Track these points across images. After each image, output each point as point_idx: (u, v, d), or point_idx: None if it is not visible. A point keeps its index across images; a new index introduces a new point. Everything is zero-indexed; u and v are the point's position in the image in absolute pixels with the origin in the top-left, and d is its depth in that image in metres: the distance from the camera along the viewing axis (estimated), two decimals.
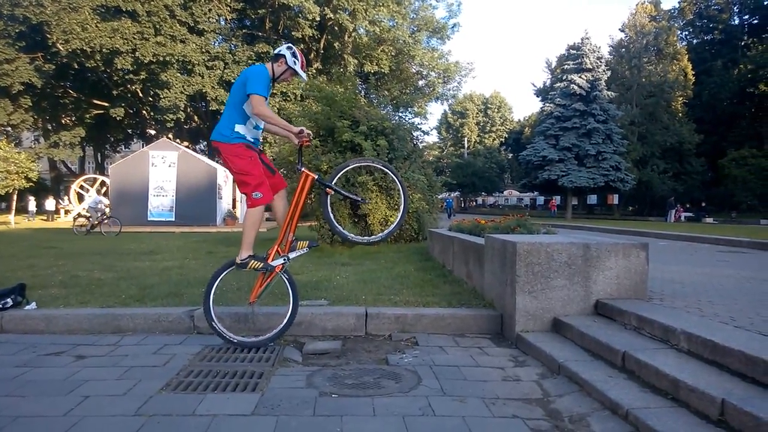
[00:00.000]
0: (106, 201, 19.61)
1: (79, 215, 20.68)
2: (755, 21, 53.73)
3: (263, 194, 4.03)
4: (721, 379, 2.74)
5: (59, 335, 4.35)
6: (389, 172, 4.50)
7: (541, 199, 61.10)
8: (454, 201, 53.55)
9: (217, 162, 23.60)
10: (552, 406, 2.99)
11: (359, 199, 5.18)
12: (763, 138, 49.22)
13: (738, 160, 42.45)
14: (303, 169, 4.17)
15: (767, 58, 47.12)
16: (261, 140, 4.29)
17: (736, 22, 55.12)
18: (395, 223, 4.49)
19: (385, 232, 4.55)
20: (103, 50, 26.14)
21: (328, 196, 4.29)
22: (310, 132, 4.15)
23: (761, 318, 3.66)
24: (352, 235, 4.42)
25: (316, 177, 4.16)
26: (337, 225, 4.26)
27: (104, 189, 29.38)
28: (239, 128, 3.97)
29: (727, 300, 4.45)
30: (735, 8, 54.98)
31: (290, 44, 4.24)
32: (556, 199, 45.15)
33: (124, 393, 3.10)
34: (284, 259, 4.14)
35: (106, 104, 31.52)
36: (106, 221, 17.60)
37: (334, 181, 4.29)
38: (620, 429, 2.62)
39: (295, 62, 4.08)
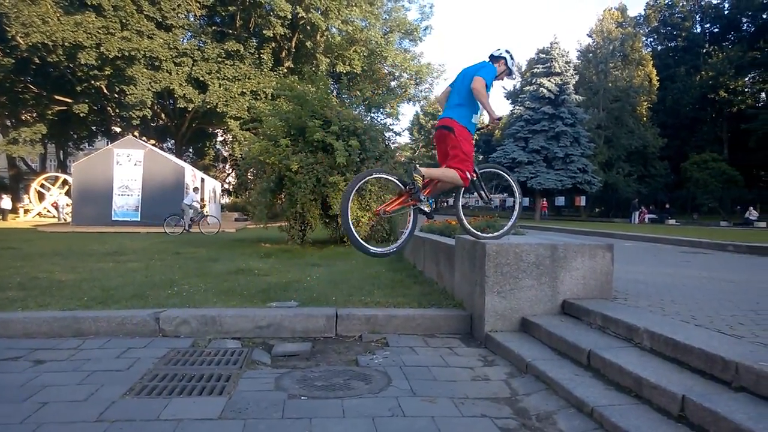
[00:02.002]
0: (195, 197, 19.17)
1: (40, 215, 20.20)
2: (716, 29, 55.52)
3: (469, 179, 4.58)
4: (682, 376, 2.81)
5: (16, 339, 4.19)
6: (510, 179, 5.16)
7: (510, 201, 61.75)
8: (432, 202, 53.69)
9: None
10: (520, 405, 3.03)
11: (487, 198, 5.32)
12: (724, 142, 50.82)
13: (699, 163, 43.75)
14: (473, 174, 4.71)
15: (727, 66, 48.67)
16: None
17: (698, 30, 56.85)
18: (513, 218, 5.20)
19: (508, 226, 5.13)
20: (66, 44, 25.34)
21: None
22: (502, 122, 4.68)
23: (720, 317, 3.76)
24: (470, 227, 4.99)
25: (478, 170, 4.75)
26: (464, 219, 4.95)
27: (66, 188, 28.64)
28: (475, 119, 4.59)
29: (688, 299, 4.56)
30: (697, 17, 56.69)
31: (508, 48, 4.80)
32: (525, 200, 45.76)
33: (85, 398, 3.01)
34: (424, 199, 4.55)
35: (69, 100, 30.60)
36: (204, 219, 17.64)
37: (480, 170, 4.87)
38: (586, 426, 2.66)
39: (512, 64, 4.76)
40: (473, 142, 4.69)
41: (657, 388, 2.70)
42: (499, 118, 4.66)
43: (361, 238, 4.48)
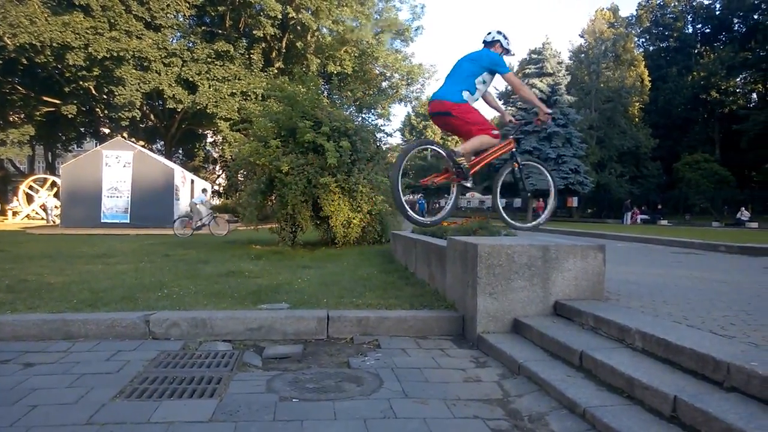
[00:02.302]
0: (204, 198, 19.01)
1: (29, 217, 20.04)
2: (707, 30, 56.03)
3: (498, 134, 4.77)
4: (674, 376, 2.81)
5: (5, 342, 4.15)
6: (543, 169, 5.45)
7: (502, 201, 61.77)
8: (426, 203, 53.51)
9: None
10: (512, 406, 3.02)
11: (528, 190, 5.65)
12: (715, 143, 51.26)
13: (691, 164, 44.12)
14: (512, 137, 5.12)
15: (719, 66, 49.09)
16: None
17: (690, 30, 57.35)
18: (549, 206, 5.48)
19: (543, 217, 5.56)
20: (54, 45, 25.15)
21: (512, 168, 5.09)
22: (552, 117, 4.88)
23: (712, 317, 3.77)
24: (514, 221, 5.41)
25: (514, 150, 5.02)
26: (500, 208, 5.27)
27: (55, 189, 28.41)
28: (465, 95, 4.65)
29: (680, 300, 4.57)
30: (689, 17, 57.18)
31: (498, 29, 4.95)
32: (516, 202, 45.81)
33: (75, 401, 2.97)
34: (470, 177, 4.87)
35: (57, 101, 30.36)
36: (215, 220, 17.39)
37: (522, 162, 5.14)
38: (578, 427, 2.66)
39: (508, 43, 4.86)
40: (474, 108, 4.80)
41: (649, 389, 2.69)
42: (551, 114, 5.02)
43: (408, 207, 4.82)
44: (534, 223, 5.33)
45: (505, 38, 4.89)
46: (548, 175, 5.37)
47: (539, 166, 5.53)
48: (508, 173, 5.17)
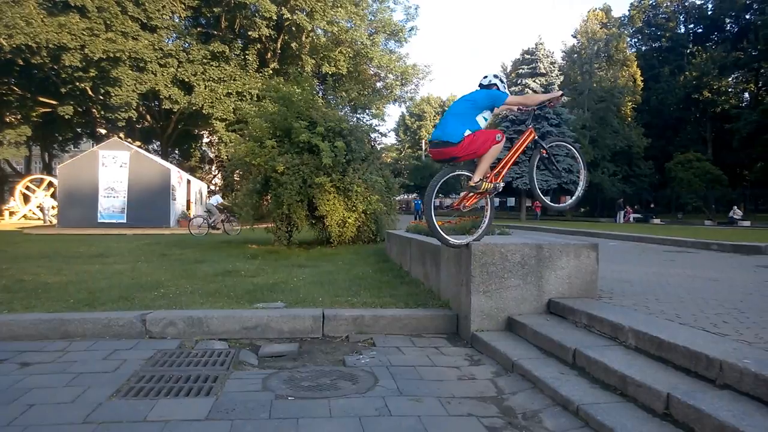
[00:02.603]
0: (219, 200, 19.40)
1: (26, 217, 20.00)
2: (700, 30, 56.25)
3: (503, 138, 4.69)
4: (667, 374, 2.84)
5: (2, 342, 4.16)
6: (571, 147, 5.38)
7: (496, 201, 62.13)
8: (422, 203, 53.32)
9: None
10: (506, 404, 3.05)
11: (559, 172, 5.74)
12: (707, 142, 51.47)
13: (684, 163, 44.24)
14: (530, 126, 4.94)
15: (711, 66, 49.30)
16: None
17: (682, 30, 57.56)
18: (578, 193, 5.33)
19: (574, 199, 5.43)
20: (50, 46, 25.07)
21: (539, 156, 5.04)
22: (562, 98, 5.04)
23: (704, 315, 3.81)
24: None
25: (537, 137, 4.92)
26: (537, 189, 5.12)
27: (51, 190, 28.31)
28: (467, 133, 4.52)
29: (672, 298, 4.61)
30: (681, 17, 57.39)
31: (495, 73, 4.90)
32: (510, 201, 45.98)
33: (72, 400, 2.99)
34: (497, 187, 4.78)
35: (53, 102, 30.24)
36: (229, 220, 17.79)
37: (548, 145, 5.05)
38: (571, 424, 2.69)
39: (504, 87, 4.83)
40: (471, 134, 4.64)
41: (642, 386, 2.72)
42: (562, 94, 5.00)
43: (442, 231, 4.60)
44: (565, 204, 5.40)
45: (502, 82, 4.84)
46: (576, 152, 5.32)
47: (566, 144, 5.46)
48: (539, 161, 5.08)
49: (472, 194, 4.75)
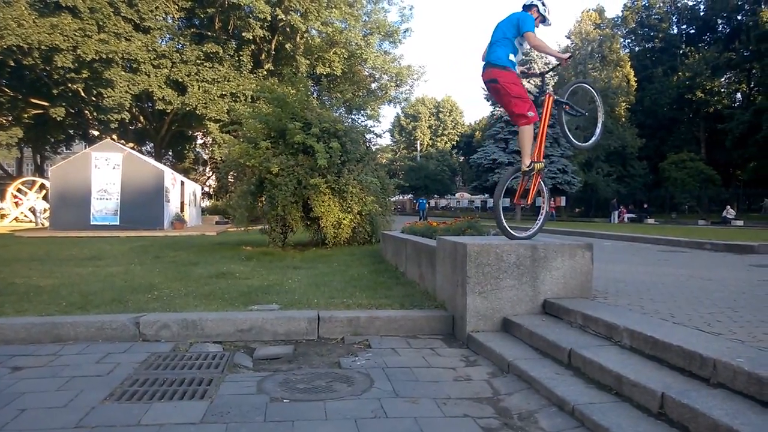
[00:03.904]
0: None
1: (17, 219, 19.83)
2: (692, 30, 56.62)
3: (535, 114, 4.85)
4: (661, 373, 2.84)
5: None
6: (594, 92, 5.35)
7: (491, 202, 62.32)
8: (426, 203, 53.03)
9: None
10: (502, 405, 3.04)
11: (584, 112, 5.56)
12: (701, 142, 51.79)
13: (677, 163, 44.53)
14: (548, 91, 4.98)
15: (703, 67, 49.60)
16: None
17: (675, 31, 57.93)
18: (598, 133, 5.34)
19: (595, 138, 5.48)
20: (42, 47, 24.92)
21: (563, 113, 5.09)
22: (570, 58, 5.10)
23: (698, 314, 3.82)
24: None
25: (556, 97, 4.96)
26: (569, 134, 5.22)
27: (43, 192, 28.14)
28: (512, 57, 4.78)
29: (667, 297, 4.62)
30: (674, 18, 57.75)
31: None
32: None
33: (65, 405, 2.96)
34: (544, 166, 5.01)
35: (45, 104, 30.05)
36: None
37: (566, 96, 5.07)
38: (567, 424, 2.69)
39: (545, 10, 4.89)
40: (518, 79, 4.91)
41: (637, 386, 2.73)
42: (570, 56, 5.09)
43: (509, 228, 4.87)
44: (588, 143, 5.54)
45: (544, 5, 4.92)
46: (592, 89, 5.41)
47: (582, 85, 5.70)
48: (566, 116, 5.19)
49: (528, 179, 5.00)
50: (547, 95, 4.97)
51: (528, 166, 4.90)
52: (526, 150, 4.90)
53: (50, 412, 2.86)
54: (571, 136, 5.25)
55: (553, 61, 5.16)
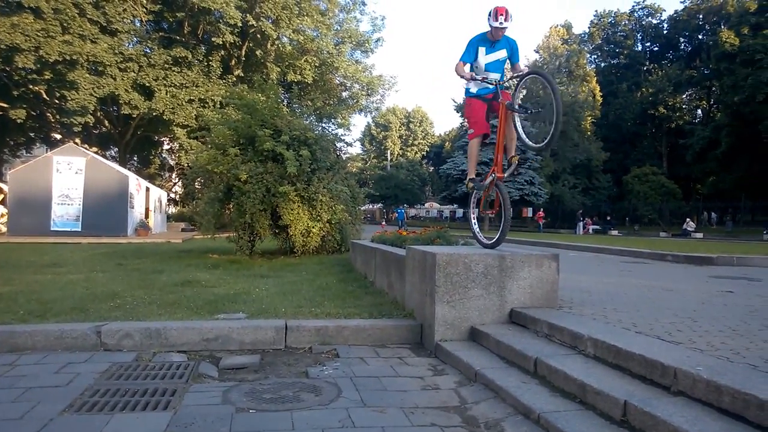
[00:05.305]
0: None
1: None
2: (656, 48, 58.49)
3: (475, 129, 5.19)
4: (624, 381, 2.90)
5: None
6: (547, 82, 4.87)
7: (460, 212, 62.93)
8: (404, 212, 52.90)
9: None
10: (469, 413, 3.06)
11: (539, 109, 5.75)
12: (663, 156, 53.33)
13: (640, 176, 45.74)
14: (500, 100, 4.96)
15: (666, 83, 51.19)
16: (497, 85, 5.09)
17: (640, 48, 59.75)
18: (554, 126, 4.81)
19: (550, 137, 5.04)
20: (1, 47, 24.26)
21: (517, 116, 5.08)
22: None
23: (660, 324, 3.91)
24: None
25: (506, 103, 4.91)
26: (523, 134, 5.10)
27: (1, 197, 27.26)
28: (469, 84, 5.21)
29: (630, 307, 4.72)
30: (639, 35, 59.58)
31: (496, 6, 4.96)
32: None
33: (21, 416, 2.86)
34: (492, 177, 5.15)
35: (5, 105, 29.15)
36: None
37: (517, 98, 5.07)
38: None
39: (489, 20, 4.97)
40: (470, 103, 5.32)
41: (600, 394, 2.77)
42: (471, 76, 5.13)
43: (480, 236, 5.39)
44: (542, 144, 5.13)
45: (489, 16, 5.04)
46: (546, 79, 4.83)
47: (534, 75, 5.32)
48: (521, 118, 5.35)
49: (490, 190, 5.31)
50: (501, 105, 4.96)
51: (470, 178, 5.38)
52: (472, 165, 5.40)
53: (4, 425, 2.76)
54: (528, 141, 5.03)
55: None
